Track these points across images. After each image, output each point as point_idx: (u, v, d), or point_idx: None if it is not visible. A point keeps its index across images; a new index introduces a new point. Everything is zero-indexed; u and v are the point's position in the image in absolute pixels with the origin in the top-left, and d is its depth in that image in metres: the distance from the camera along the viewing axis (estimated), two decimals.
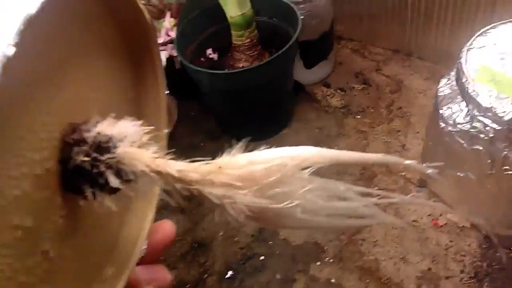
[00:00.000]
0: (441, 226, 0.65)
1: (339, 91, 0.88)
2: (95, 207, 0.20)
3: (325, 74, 0.91)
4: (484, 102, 0.53)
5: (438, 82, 0.85)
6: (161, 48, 0.79)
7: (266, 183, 0.19)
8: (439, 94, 0.61)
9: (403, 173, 0.73)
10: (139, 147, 0.20)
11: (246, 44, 0.77)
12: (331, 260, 0.66)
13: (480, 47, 0.60)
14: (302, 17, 0.75)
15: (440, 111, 0.60)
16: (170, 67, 0.78)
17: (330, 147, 0.70)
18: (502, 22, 0.61)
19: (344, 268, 0.65)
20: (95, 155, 0.19)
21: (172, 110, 0.88)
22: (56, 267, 0.20)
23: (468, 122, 0.57)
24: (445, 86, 0.62)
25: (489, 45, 0.59)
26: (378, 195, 0.20)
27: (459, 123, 0.57)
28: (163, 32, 0.79)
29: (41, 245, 0.19)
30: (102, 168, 0.19)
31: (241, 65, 0.78)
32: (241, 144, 0.21)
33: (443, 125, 0.60)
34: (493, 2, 0.73)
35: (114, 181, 0.19)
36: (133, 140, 0.20)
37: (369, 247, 0.66)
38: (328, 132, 0.82)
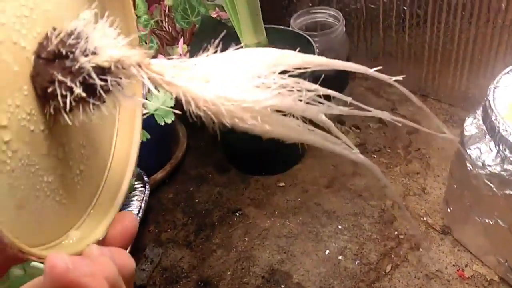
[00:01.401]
0: (467, 278, 0.60)
1: (353, 128, 0.85)
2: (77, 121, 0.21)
3: (339, 111, 0.88)
4: None
5: (457, 124, 0.82)
6: None
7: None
8: (465, 134, 0.58)
9: (425, 218, 0.68)
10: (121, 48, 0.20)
11: None
12: None
13: (507, 86, 0.57)
14: (317, 50, 0.73)
15: (467, 152, 0.56)
16: None
17: (345, 186, 0.65)
18: None
19: None
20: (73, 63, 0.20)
21: (181, 139, 0.85)
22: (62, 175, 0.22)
23: (498, 164, 0.53)
24: (471, 126, 0.58)
25: None
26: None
27: (488, 165, 0.53)
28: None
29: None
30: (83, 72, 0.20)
31: None
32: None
33: (470, 167, 0.56)
34: None
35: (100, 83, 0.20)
36: (110, 41, 0.20)
37: None
38: (343, 170, 0.78)
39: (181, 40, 0.78)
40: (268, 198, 0.76)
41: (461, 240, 0.64)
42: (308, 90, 0.22)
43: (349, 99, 0.26)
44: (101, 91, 0.21)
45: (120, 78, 0.21)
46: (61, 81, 0.20)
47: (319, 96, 0.23)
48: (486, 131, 0.53)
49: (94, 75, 0.20)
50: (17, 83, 0.20)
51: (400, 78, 0.26)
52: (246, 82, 0.21)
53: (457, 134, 0.80)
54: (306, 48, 0.74)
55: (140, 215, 0.66)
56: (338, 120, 0.87)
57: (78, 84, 0.20)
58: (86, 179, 0.26)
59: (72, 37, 0.20)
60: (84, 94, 0.20)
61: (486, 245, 0.60)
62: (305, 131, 0.23)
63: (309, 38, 0.74)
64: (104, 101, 0.22)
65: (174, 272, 0.68)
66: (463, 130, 0.57)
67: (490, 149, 0.52)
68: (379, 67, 0.25)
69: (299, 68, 0.22)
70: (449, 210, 0.64)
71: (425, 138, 0.81)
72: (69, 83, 0.20)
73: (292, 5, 0.94)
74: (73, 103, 0.21)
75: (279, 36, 0.76)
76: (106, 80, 0.20)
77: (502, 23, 0.68)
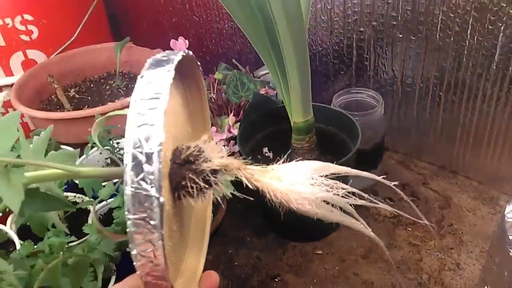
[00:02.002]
0: None
1: (387, 200, 0.89)
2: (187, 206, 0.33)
3: (373, 182, 0.93)
4: None
5: (486, 202, 0.86)
6: (223, 144, 0.82)
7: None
8: (507, 220, 0.62)
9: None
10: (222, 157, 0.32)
11: (305, 148, 0.79)
12: None
13: None
14: (359, 129, 0.78)
15: (510, 237, 0.60)
16: None
17: (382, 257, 0.69)
18: None
19: None
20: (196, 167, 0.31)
21: (221, 202, 0.89)
22: (175, 239, 0.32)
23: None
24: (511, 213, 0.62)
25: None
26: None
27: None
28: (225, 128, 0.83)
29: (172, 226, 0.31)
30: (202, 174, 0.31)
31: None
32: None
33: (511, 251, 0.59)
34: None
35: (215, 182, 0.31)
36: (217, 153, 0.31)
37: None
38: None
39: (232, 113, 0.84)
40: (306, 265, 0.79)
41: None
42: (342, 188, 0.34)
43: (379, 178, 0.38)
44: (213, 184, 0.31)
45: (226, 176, 0.32)
46: (190, 178, 0.30)
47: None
48: None
49: (210, 175, 0.30)
50: (165, 179, 0.29)
51: (396, 183, 0.38)
52: (305, 182, 0.32)
53: (486, 212, 0.85)
54: (348, 125, 0.80)
55: None
56: (372, 191, 0.92)
57: (201, 180, 0.30)
58: (187, 233, 0.38)
59: (196, 150, 0.31)
60: (206, 186, 0.30)
61: None
62: (338, 214, 0.34)
63: (351, 117, 0.80)
64: (210, 190, 0.32)
65: None
66: (505, 216, 0.61)
67: None
68: (384, 176, 0.38)
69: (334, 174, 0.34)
70: None
71: (457, 214, 0.85)
72: (196, 179, 0.30)
73: (330, 82, 1.01)
74: (196, 192, 0.31)
75: (323, 113, 0.82)
76: (216, 177, 0.31)
77: None
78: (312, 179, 0.32)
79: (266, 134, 0.87)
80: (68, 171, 0.31)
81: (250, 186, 0.32)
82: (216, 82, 0.91)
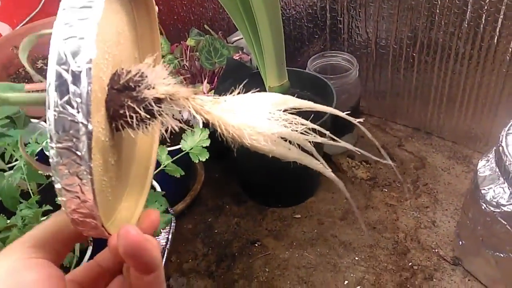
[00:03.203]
0: None
1: (364, 163, 0.90)
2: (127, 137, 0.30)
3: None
4: None
5: (460, 161, 0.88)
6: None
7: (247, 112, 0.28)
8: (479, 175, 0.63)
9: (436, 250, 0.73)
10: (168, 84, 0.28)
11: None
12: None
13: None
14: (334, 92, 0.78)
15: (482, 192, 0.61)
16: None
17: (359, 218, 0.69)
18: None
19: None
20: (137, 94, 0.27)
21: (199, 171, 0.88)
22: (113, 174, 0.28)
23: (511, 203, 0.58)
24: (484, 168, 0.63)
25: None
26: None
27: (502, 204, 0.58)
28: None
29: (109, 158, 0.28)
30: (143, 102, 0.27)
31: None
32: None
33: (484, 205, 0.61)
34: None
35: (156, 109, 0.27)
36: (163, 80, 0.27)
37: None
38: (356, 203, 0.82)
39: (206, 80, 0.82)
40: (285, 229, 0.80)
41: (471, 271, 0.68)
42: (302, 124, 0.30)
43: (350, 147, 0.34)
44: (157, 115, 0.27)
45: (172, 106, 0.28)
46: (129, 106, 0.27)
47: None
48: (500, 174, 0.58)
49: (153, 104, 0.27)
50: (99, 105, 0.26)
51: (361, 120, 0.34)
52: (261, 116, 0.28)
53: (460, 171, 0.86)
54: (324, 89, 0.80)
55: (168, 246, 0.69)
56: (348, 155, 0.92)
57: (142, 109, 0.27)
58: (127, 171, 0.34)
59: (138, 75, 0.27)
60: (148, 116, 0.27)
61: (497, 276, 0.64)
62: (297, 153, 0.31)
63: (326, 81, 0.79)
64: (153, 122, 0.29)
65: None
66: (477, 171, 0.62)
67: (504, 190, 0.57)
68: (361, 119, 0.35)
69: (296, 108, 0.31)
70: (460, 243, 0.68)
71: (432, 174, 0.86)
72: (136, 108, 0.26)
73: (305, 47, 1.00)
74: (136, 122, 0.27)
75: (298, 78, 0.82)
76: (160, 107, 0.27)
77: (506, 72, 0.74)
78: (270, 113, 0.28)
79: None
80: None
81: (198, 118, 0.28)
82: (189, 49, 0.89)
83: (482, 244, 0.63)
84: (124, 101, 0.26)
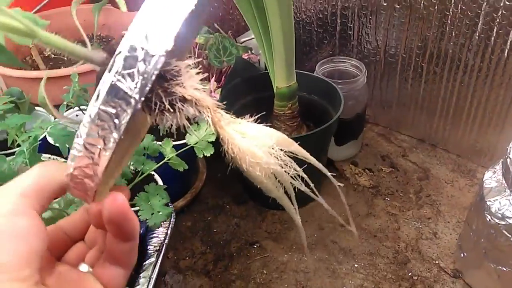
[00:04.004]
0: None
1: (367, 171, 0.89)
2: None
3: (353, 153, 0.93)
4: None
5: (464, 174, 0.87)
6: None
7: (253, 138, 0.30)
8: (485, 186, 0.62)
9: (437, 262, 0.72)
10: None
11: (287, 115, 0.78)
12: None
13: None
14: (342, 97, 0.78)
15: (487, 203, 0.60)
16: None
17: (360, 226, 0.69)
18: None
19: None
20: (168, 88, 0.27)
21: (201, 170, 0.88)
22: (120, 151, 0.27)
23: None
24: (490, 179, 0.63)
25: None
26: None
27: (507, 217, 0.58)
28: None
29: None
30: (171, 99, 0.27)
31: None
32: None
33: (489, 217, 0.60)
34: None
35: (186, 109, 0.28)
36: (194, 84, 0.28)
37: None
38: (357, 210, 0.82)
39: (213, 78, 0.82)
40: (285, 233, 0.79)
41: (472, 284, 0.67)
42: (295, 169, 0.33)
43: (328, 174, 0.35)
44: (177, 111, 0.28)
45: (193, 109, 0.29)
46: (158, 94, 0.27)
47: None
48: (507, 186, 0.58)
49: (178, 101, 0.28)
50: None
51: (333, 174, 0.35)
52: (265, 148, 0.30)
53: (464, 184, 0.86)
54: (331, 94, 0.80)
55: (166, 241, 0.68)
56: (352, 162, 0.92)
57: (167, 100, 0.27)
58: (123, 151, 0.33)
59: (175, 70, 0.28)
60: (169, 109, 0.28)
61: None
62: (281, 193, 0.34)
63: (335, 85, 0.79)
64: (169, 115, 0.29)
65: None
66: (483, 182, 0.61)
67: (510, 202, 0.57)
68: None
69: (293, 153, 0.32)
70: (462, 255, 0.68)
71: (435, 185, 0.86)
72: (163, 98, 0.27)
73: (313, 52, 1.00)
74: (158, 111, 0.28)
75: (306, 81, 0.81)
76: (183, 106, 0.28)
77: None
78: (272, 148, 0.30)
79: (248, 101, 0.85)
80: (26, 26, 0.26)
81: (212, 129, 0.29)
82: (197, 46, 0.88)
83: (484, 257, 0.63)
84: (154, 87, 0.27)
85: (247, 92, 0.85)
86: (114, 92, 0.23)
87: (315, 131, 0.72)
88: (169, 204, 0.74)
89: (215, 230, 0.81)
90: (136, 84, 0.23)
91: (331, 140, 0.86)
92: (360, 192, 0.85)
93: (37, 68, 0.88)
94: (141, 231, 0.70)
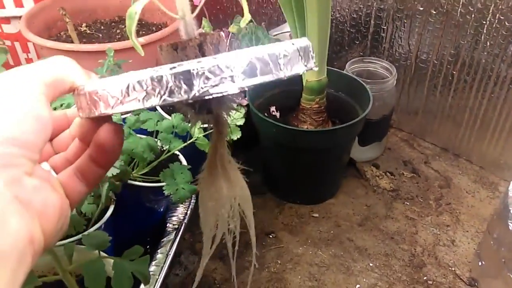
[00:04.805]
0: None
1: (388, 174, 0.89)
2: None
3: (375, 155, 0.93)
4: None
5: (486, 186, 0.86)
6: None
7: None
8: (510, 195, 0.62)
9: (453, 269, 0.71)
10: None
11: (314, 109, 0.78)
12: None
13: None
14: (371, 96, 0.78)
15: (511, 212, 0.60)
16: None
17: (378, 226, 0.69)
18: None
19: None
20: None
21: None
22: None
23: None
24: None
25: None
26: None
27: None
28: None
29: None
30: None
31: (305, 127, 0.79)
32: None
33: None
34: None
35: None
36: None
37: None
38: (376, 211, 0.81)
39: None
40: (301, 226, 0.79)
41: None
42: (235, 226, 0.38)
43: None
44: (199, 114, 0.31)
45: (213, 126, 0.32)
46: (206, 106, 0.30)
47: None
48: None
49: (212, 120, 0.32)
50: None
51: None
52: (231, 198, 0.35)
53: (485, 196, 0.85)
54: (360, 92, 0.80)
55: (185, 221, 0.69)
56: (374, 164, 0.91)
57: (199, 105, 0.30)
58: None
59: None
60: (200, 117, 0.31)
61: None
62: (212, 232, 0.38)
63: (364, 84, 0.79)
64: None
65: (206, 281, 0.70)
66: (508, 191, 0.61)
67: None
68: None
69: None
70: (480, 263, 0.67)
71: (456, 195, 0.85)
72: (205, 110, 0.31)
73: (343, 51, 1.00)
74: (192, 112, 0.30)
75: (335, 78, 0.81)
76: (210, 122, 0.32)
77: None
78: (234, 199, 0.37)
79: (275, 93, 0.86)
80: None
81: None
82: (230, 35, 0.89)
83: (504, 266, 0.62)
84: (210, 101, 0.30)
85: (275, 84, 0.85)
86: (185, 76, 0.24)
87: (341, 126, 0.72)
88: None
89: None
90: (204, 86, 0.24)
91: (355, 140, 0.86)
92: (380, 194, 0.85)
93: (71, 43, 0.90)
94: (161, 209, 0.71)
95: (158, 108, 0.79)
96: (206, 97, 0.24)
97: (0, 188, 0.22)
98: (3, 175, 0.22)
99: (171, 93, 0.24)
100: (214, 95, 0.24)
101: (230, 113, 0.32)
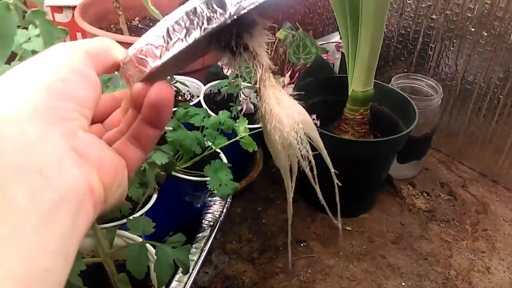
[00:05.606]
0: None
1: (424, 194, 0.87)
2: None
3: (412, 174, 0.91)
4: None
5: None
6: None
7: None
8: None
9: None
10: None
11: (357, 119, 0.78)
12: None
13: None
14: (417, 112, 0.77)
15: None
16: None
17: (412, 246, 0.67)
18: None
19: None
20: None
21: (258, 161, 0.88)
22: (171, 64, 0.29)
23: None
24: None
25: None
26: None
27: None
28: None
29: None
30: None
31: (347, 137, 0.78)
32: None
33: None
34: None
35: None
36: (262, 41, 0.29)
37: None
38: (410, 230, 0.80)
39: (288, 73, 0.83)
40: (334, 238, 0.78)
41: None
42: (307, 151, 0.32)
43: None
44: (236, 54, 0.29)
45: (248, 61, 0.30)
46: (228, 32, 0.28)
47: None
48: None
49: (240, 45, 0.29)
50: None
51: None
52: (291, 121, 0.30)
53: None
54: (405, 108, 0.79)
55: (221, 218, 0.69)
56: (410, 182, 0.90)
57: (232, 40, 0.28)
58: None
59: (253, 22, 0.29)
60: (231, 47, 0.29)
61: None
62: (288, 169, 0.33)
63: (410, 100, 0.78)
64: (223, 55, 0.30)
65: (235, 282, 0.70)
66: None
67: None
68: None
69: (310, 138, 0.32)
70: None
71: (493, 221, 0.83)
72: (232, 37, 0.28)
73: (387, 66, 1.00)
74: (218, 47, 0.29)
75: (380, 91, 0.81)
76: (241, 53, 0.29)
77: None
78: (297, 124, 0.31)
79: (317, 101, 0.86)
80: None
81: (255, 84, 0.31)
82: (276, 41, 0.89)
83: None
84: (233, 25, 0.28)
85: (317, 92, 0.85)
86: (218, 0, 0.24)
87: (386, 138, 0.71)
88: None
89: (263, 221, 0.80)
90: (236, 3, 0.24)
91: (395, 156, 0.84)
92: (415, 214, 0.83)
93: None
94: (199, 205, 0.71)
95: (204, 105, 0.79)
96: (242, 12, 0.24)
97: (57, 139, 0.22)
98: (59, 127, 0.22)
99: (209, 20, 0.25)
100: (248, 8, 0.24)
101: (266, 43, 0.31)
